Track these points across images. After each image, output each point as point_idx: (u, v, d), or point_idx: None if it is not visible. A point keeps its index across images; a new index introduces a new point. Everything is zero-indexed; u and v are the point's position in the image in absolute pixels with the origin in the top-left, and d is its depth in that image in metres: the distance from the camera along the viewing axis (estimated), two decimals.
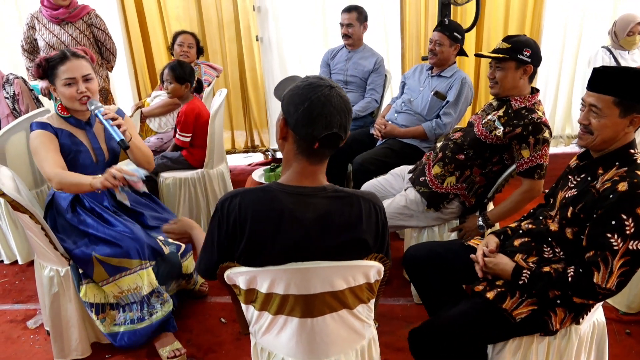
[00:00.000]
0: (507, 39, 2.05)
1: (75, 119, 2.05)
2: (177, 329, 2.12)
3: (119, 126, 1.91)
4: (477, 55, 2.23)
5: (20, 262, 2.85)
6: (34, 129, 1.99)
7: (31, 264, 2.75)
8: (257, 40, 4.13)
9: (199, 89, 3.07)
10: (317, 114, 1.13)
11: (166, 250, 2.09)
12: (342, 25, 3.33)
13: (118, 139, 1.88)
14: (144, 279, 1.98)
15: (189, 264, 2.25)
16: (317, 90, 1.14)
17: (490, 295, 1.56)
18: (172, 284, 2.21)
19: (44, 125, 1.99)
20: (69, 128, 2.04)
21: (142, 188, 1.82)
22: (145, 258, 1.99)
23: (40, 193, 2.75)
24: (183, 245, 2.18)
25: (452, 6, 3.17)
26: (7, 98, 2.84)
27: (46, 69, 1.98)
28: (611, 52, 3.48)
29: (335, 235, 1.19)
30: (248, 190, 1.23)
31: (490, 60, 2.09)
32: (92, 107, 1.95)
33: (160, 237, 2.11)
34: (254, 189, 1.23)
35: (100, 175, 1.83)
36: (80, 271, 1.97)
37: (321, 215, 1.18)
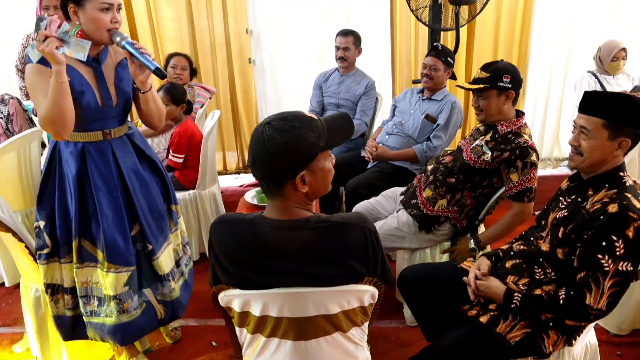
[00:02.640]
0: (485, 67, 2.08)
1: None
2: (124, 343, 1.98)
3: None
4: (459, 87, 2.26)
5: (7, 285, 2.80)
6: (34, 61, 1.65)
7: (17, 286, 2.71)
8: (249, 62, 4.17)
9: (189, 110, 3.09)
10: (248, 147, 1.18)
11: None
12: (338, 48, 3.38)
13: (153, 68, 1.69)
14: (107, 280, 1.84)
15: (160, 263, 1.96)
16: (257, 125, 1.17)
17: (483, 319, 1.56)
18: (148, 291, 1.97)
19: (42, 60, 1.64)
20: (72, 63, 1.70)
21: (65, 27, 1.58)
22: (109, 261, 1.81)
23: (30, 213, 2.72)
24: (150, 246, 1.92)
25: (441, 32, 3.23)
26: (1, 118, 2.84)
27: None
28: (597, 77, 3.56)
29: (323, 265, 1.18)
30: (235, 219, 1.25)
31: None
32: (118, 39, 1.69)
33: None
34: (241, 220, 1.24)
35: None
36: (46, 250, 1.83)
37: (305, 247, 1.18)
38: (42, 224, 1.84)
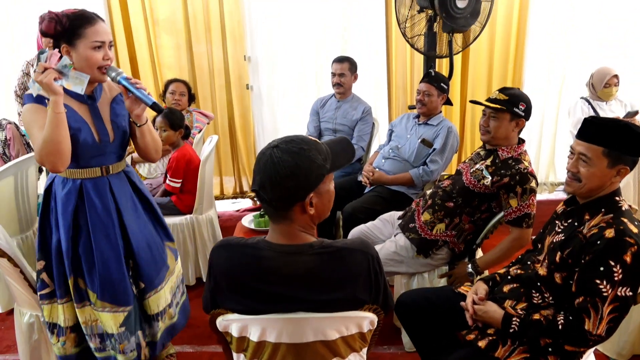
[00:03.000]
0: (503, 90, 2.11)
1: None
2: None
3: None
4: (474, 102, 2.29)
5: (0, 311, 2.76)
6: (27, 102, 1.69)
7: (11, 312, 2.67)
8: (247, 88, 4.22)
9: (187, 135, 3.11)
10: (254, 171, 1.18)
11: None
12: (334, 74, 3.43)
13: (150, 103, 1.70)
14: (103, 318, 1.84)
15: (150, 303, 1.93)
16: (263, 149, 1.17)
17: (482, 344, 1.55)
18: (140, 333, 1.92)
19: (39, 99, 1.67)
20: (68, 101, 1.70)
21: (65, 61, 1.62)
22: (105, 300, 1.80)
23: (25, 239, 2.70)
24: (142, 285, 1.90)
25: (436, 59, 3.29)
26: None
27: (66, 27, 1.65)
28: (590, 103, 3.61)
29: (325, 291, 1.18)
30: (238, 243, 1.24)
31: (484, 108, 2.14)
32: (114, 74, 1.71)
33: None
34: (243, 244, 1.23)
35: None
36: (47, 290, 1.84)
37: (309, 272, 1.17)
38: (42, 264, 1.85)
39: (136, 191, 1.96)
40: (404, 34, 3.13)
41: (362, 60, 3.74)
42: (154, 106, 1.70)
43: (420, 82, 2.92)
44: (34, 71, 1.59)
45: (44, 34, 1.67)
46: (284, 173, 1.12)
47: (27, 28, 3.76)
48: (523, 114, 2.08)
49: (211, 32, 4.01)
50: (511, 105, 2.06)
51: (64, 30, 1.65)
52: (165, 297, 1.99)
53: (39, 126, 1.63)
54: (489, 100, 2.13)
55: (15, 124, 2.96)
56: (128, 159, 3.17)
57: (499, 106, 2.07)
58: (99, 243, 1.79)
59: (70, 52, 1.68)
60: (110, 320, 1.82)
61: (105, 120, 1.81)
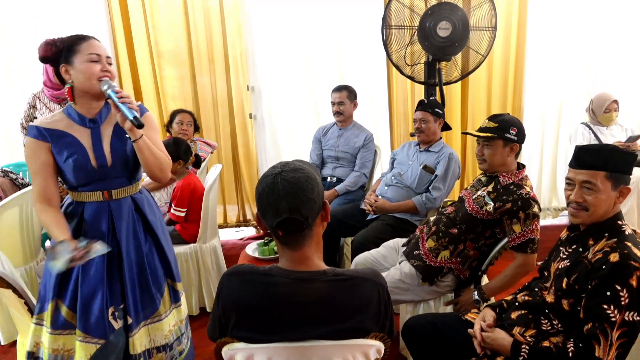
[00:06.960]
0: (493, 118, 2.14)
1: (79, 115, 1.77)
2: None
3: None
4: (465, 133, 2.33)
5: (2, 343, 2.74)
6: (28, 134, 1.76)
7: (14, 344, 2.65)
8: (250, 117, 4.27)
9: (198, 163, 3.13)
10: (265, 206, 1.16)
11: (117, 325, 1.76)
12: (333, 103, 3.49)
13: (131, 117, 1.64)
14: (77, 348, 1.74)
15: (134, 341, 1.79)
16: (263, 182, 1.17)
17: None
18: None
19: (37, 131, 1.73)
20: (69, 127, 1.75)
21: (99, 249, 1.62)
22: (84, 331, 1.72)
23: (29, 270, 2.71)
24: (130, 319, 1.79)
25: (436, 86, 3.34)
26: None
27: (61, 48, 1.70)
28: (590, 129, 3.64)
29: (336, 320, 1.18)
30: (250, 271, 1.24)
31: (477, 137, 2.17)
32: (105, 87, 1.70)
33: (112, 309, 1.77)
34: (255, 272, 1.23)
35: (75, 243, 1.60)
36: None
37: (322, 299, 1.18)
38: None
39: (144, 223, 1.91)
40: (397, 67, 3.26)
41: (363, 88, 3.79)
42: (135, 120, 1.65)
43: (415, 111, 2.99)
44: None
45: (42, 59, 1.72)
46: (307, 187, 1.15)
47: (25, 69, 3.84)
48: (516, 139, 2.10)
49: (214, 63, 4.09)
50: (502, 132, 2.09)
51: (60, 51, 1.71)
52: (147, 337, 1.86)
53: (34, 166, 1.72)
54: (480, 129, 2.15)
55: (8, 175, 2.95)
56: None
57: (489, 134, 2.09)
58: (85, 270, 1.74)
59: (69, 71, 1.71)
60: (81, 350, 1.73)
61: (105, 144, 1.78)
